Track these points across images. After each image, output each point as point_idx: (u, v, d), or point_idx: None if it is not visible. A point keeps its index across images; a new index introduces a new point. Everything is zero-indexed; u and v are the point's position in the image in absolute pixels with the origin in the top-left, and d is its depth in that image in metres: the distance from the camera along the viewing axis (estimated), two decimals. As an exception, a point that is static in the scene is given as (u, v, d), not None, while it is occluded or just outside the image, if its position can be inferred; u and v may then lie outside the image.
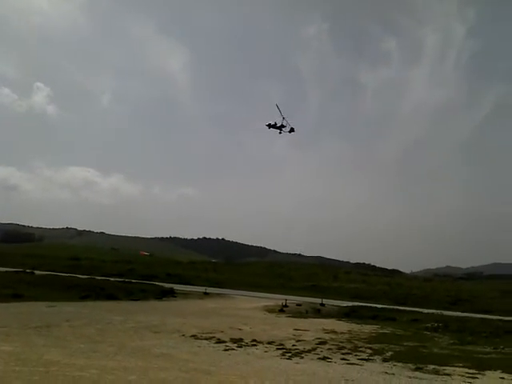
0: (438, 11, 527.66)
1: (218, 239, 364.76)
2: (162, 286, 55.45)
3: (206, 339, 22.28)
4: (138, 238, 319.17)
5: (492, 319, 42.10)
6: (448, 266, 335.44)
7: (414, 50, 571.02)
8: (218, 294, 56.37)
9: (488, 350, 25.23)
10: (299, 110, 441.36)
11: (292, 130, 48.20)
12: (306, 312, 43.35)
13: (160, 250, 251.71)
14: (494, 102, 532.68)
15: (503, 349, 25.59)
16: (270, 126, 47.91)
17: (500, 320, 41.53)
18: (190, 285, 67.33)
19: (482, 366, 19.13)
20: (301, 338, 24.99)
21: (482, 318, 42.97)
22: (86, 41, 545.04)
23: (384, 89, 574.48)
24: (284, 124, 47.54)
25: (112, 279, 60.07)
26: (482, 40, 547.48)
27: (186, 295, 52.05)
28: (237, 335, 24.10)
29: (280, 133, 48.33)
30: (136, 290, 49.06)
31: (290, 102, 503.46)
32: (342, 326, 34.07)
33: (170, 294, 50.71)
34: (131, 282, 57.64)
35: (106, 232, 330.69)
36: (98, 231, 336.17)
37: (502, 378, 17.14)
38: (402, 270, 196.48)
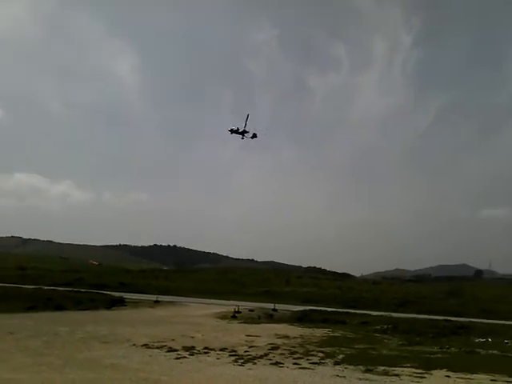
0: (385, 20, 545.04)
1: (169, 246, 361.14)
2: (112, 295, 54.35)
3: (158, 348, 21.97)
4: (87, 246, 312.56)
5: (438, 320, 43.26)
6: (397, 269, 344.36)
7: (362, 57, 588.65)
8: (170, 302, 55.62)
9: (435, 349, 25.98)
10: (251, 114, 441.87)
11: (254, 135, 48.47)
12: (259, 317, 43.35)
13: (110, 258, 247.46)
14: (439, 108, 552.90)
15: (449, 348, 26.42)
16: (232, 131, 48.05)
17: (446, 320, 42.73)
18: (140, 293, 66.12)
19: (429, 365, 19.68)
20: (253, 344, 24.98)
21: (428, 319, 44.10)
22: (32, 43, 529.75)
23: (334, 94, 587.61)
24: (247, 130, 47.70)
25: (60, 289, 58.39)
26: (427, 48, 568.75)
27: (136, 304, 51.11)
28: (189, 343, 23.88)
29: (242, 138, 48.56)
30: (85, 299, 47.83)
31: (241, 107, 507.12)
32: (294, 330, 34.25)
33: (119, 303, 49.64)
34: (80, 292, 56.26)
35: (54, 240, 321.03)
36: (45, 239, 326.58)
37: (448, 376, 17.70)
38: (352, 273, 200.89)
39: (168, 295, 65.52)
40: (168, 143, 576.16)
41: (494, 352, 25.41)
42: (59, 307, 40.97)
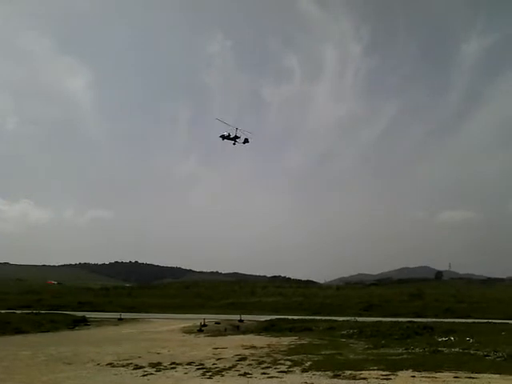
0: (335, 30, 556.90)
1: (131, 262, 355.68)
2: (74, 315, 53.05)
3: (123, 366, 21.57)
4: (46, 266, 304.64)
5: (402, 322, 43.88)
6: (360, 274, 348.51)
7: (314, 67, 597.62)
8: (134, 319, 54.70)
9: (400, 351, 26.39)
10: (207, 125, 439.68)
11: (246, 140, 48.12)
12: (225, 330, 43.09)
13: (70, 277, 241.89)
14: (392, 115, 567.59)
15: (413, 349, 26.86)
16: (223, 137, 47.70)
17: (410, 322, 43.42)
18: (103, 312, 64.86)
19: (394, 367, 20.00)
20: (220, 356, 24.82)
21: (393, 321, 44.66)
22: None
23: (289, 104, 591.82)
24: (238, 135, 47.43)
25: (18, 312, 56.55)
26: (377, 57, 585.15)
27: (99, 323, 50.10)
28: (155, 359, 23.56)
29: (234, 144, 48.18)
30: (45, 321, 46.47)
31: (197, 118, 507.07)
32: (261, 340, 34.18)
33: (82, 322, 48.66)
34: (40, 313, 54.62)
35: (11, 262, 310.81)
36: (1, 262, 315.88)
37: (413, 376, 18.04)
38: (316, 280, 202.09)
39: (132, 312, 64.51)
40: (127, 158, 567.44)
41: (457, 350, 25.97)
42: (18, 331, 39.65)
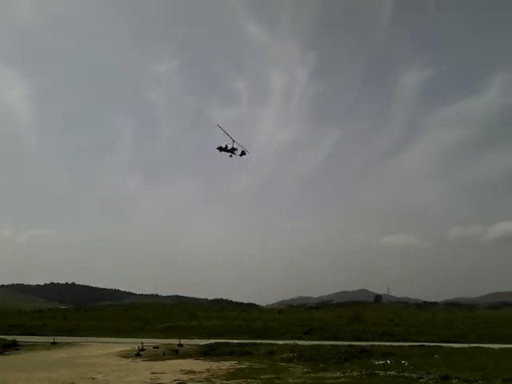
0: (282, 55, 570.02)
1: (67, 284, 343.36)
2: (3, 339, 50.54)
3: (55, 393, 20.71)
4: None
5: (341, 345, 44.40)
6: (301, 297, 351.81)
7: (260, 91, 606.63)
8: (69, 343, 52.70)
9: (338, 374, 26.73)
10: (151, 144, 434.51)
11: (243, 153, 47.47)
12: (163, 354, 42.19)
13: (2, 298, 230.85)
14: (335, 141, 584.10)
15: (350, 372, 27.30)
16: (220, 149, 46.85)
17: (348, 345, 43.99)
18: (36, 335, 62.19)
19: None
20: (158, 382, 24.38)
21: (332, 345, 45.13)
22: None
23: (234, 127, 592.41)
24: (235, 147, 46.79)
25: None
26: (322, 83, 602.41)
27: (31, 347, 47.92)
28: (89, 385, 22.77)
29: (231, 156, 47.29)
30: (-28, 345, 44.14)
31: (142, 137, 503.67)
32: (200, 364, 33.71)
33: (12, 346, 46.42)
34: (-35, 338, 51.88)
35: None
36: None
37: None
38: (257, 303, 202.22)
39: (67, 336, 62.18)
40: (67, 175, 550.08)
41: (392, 373, 26.58)
42: None
